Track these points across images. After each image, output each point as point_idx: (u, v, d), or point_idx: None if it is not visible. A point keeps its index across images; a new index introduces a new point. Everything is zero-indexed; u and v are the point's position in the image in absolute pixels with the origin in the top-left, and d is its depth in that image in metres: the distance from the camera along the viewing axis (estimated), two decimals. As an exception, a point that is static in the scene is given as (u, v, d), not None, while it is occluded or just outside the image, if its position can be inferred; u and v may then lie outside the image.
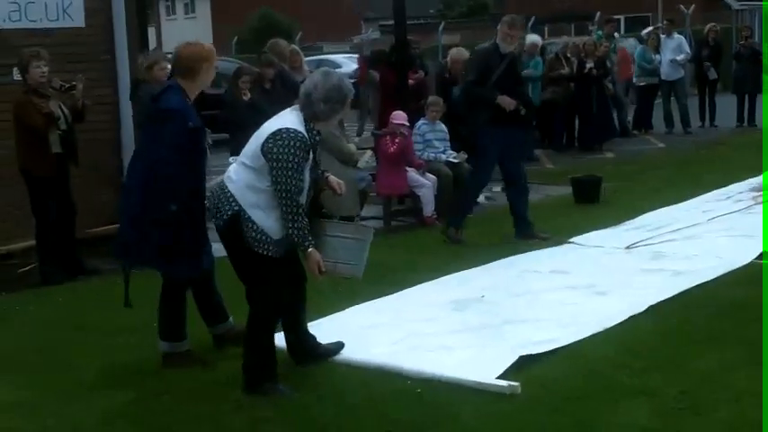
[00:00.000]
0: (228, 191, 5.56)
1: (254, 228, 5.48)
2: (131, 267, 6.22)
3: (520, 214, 9.99)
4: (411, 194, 11.18)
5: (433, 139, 11.60)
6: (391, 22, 13.47)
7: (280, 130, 5.44)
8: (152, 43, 42.68)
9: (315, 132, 5.59)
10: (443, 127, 11.74)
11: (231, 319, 6.67)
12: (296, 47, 13.03)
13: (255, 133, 5.65)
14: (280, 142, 5.40)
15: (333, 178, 5.95)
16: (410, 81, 12.70)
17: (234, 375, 5.84)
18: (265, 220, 5.48)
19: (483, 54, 10.03)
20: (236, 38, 41.61)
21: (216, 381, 6.00)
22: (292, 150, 5.39)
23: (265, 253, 5.52)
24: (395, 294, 7.79)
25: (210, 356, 6.46)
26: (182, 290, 6.33)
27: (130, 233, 6.08)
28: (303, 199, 5.52)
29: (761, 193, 11.82)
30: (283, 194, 5.39)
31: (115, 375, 6.22)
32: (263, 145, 5.45)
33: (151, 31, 47.91)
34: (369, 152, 14.37)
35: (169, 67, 9.36)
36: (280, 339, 6.07)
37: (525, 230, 9.89)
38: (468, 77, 10.28)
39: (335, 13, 56.90)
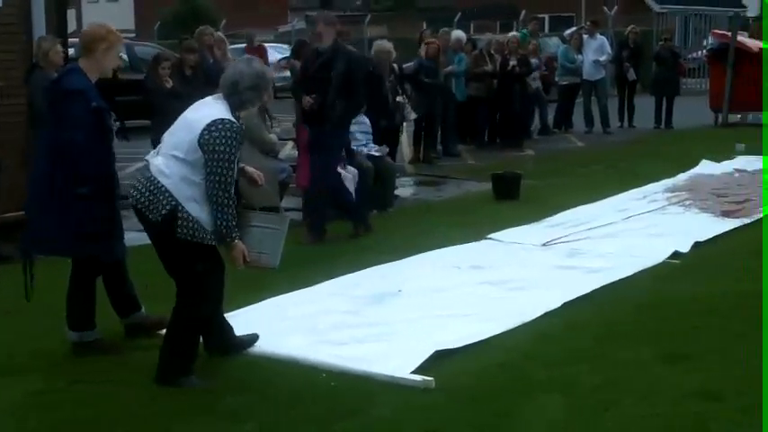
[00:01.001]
0: (162, 185, 5.42)
1: (192, 220, 5.41)
2: (42, 254, 6.13)
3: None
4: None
5: (356, 131, 11.56)
6: (317, 12, 13.40)
7: (215, 121, 5.38)
8: (72, 26, 41.93)
9: (241, 122, 5.58)
10: (366, 120, 11.72)
11: (143, 309, 6.60)
12: (221, 34, 12.87)
13: (180, 124, 5.59)
14: (216, 133, 5.35)
15: (250, 169, 5.95)
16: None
17: (146, 365, 5.77)
18: (200, 212, 5.42)
19: (305, 55, 10.35)
20: (158, 23, 41.16)
21: (128, 370, 5.93)
22: (229, 141, 5.36)
23: (205, 243, 5.48)
24: (312, 287, 7.77)
25: (121, 346, 6.38)
26: (92, 277, 6.25)
27: (40, 220, 5.98)
28: (232, 190, 5.50)
29: (676, 193, 12.02)
30: (218, 186, 5.36)
31: (24, 363, 6.12)
32: (199, 137, 5.36)
33: (71, 14, 47.13)
34: (290, 143, 14.31)
35: (62, 51, 9.52)
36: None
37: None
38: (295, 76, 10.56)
39: (262, 1, 56.51)
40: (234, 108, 5.54)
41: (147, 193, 5.46)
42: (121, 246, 6.29)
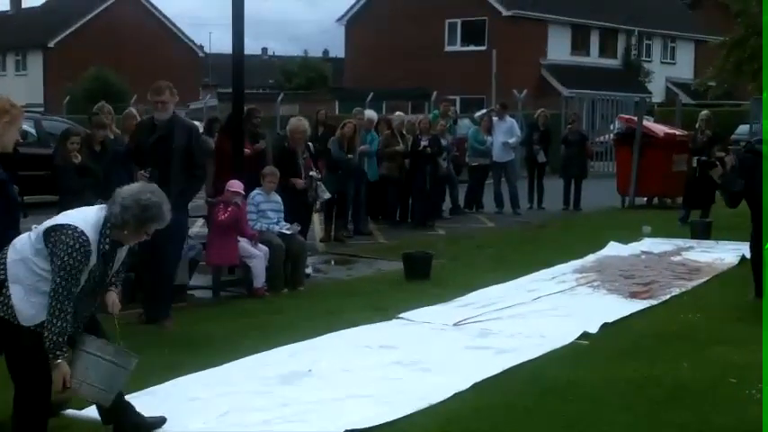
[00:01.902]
0: (3, 256, 5.25)
1: (8, 303, 5.15)
2: None
3: None
4: (242, 265, 11.04)
5: (267, 209, 11.52)
6: (230, 89, 13.37)
7: (63, 225, 5.17)
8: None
9: (106, 239, 5.29)
10: (278, 198, 11.69)
11: None
12: (108, 106, 12.60)
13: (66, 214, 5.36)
14: (59, 237, 5.12)
15: (112, 295, 5.70)
16: (246, 150, 12.60)
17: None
18: (22, 301, 5.15)
19: (138, 126, 9.96)
20: (67, 97, 40.85)
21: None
22: (69, 251, 5.10)
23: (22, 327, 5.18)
24: (221, 366, 7.63)
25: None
26: None
27: None
28: (71, 306, 5.15)
29: (584, 274, 12.15)
30: (52, 293, 5.09)
31: None
32: (45, 233, 5.19)
33: (-20, 87, 46.55)
34: (200, 220, 14.17)
35: None
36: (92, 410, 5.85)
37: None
38: (127, 146, 10.06)
39: (173, 77, 56.47)
40: (106, 221, 5.28)
41: None
42: None
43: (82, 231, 5.15)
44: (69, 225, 5.15)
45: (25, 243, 5.26)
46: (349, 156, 15.69)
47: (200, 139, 10.02)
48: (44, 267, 5.14)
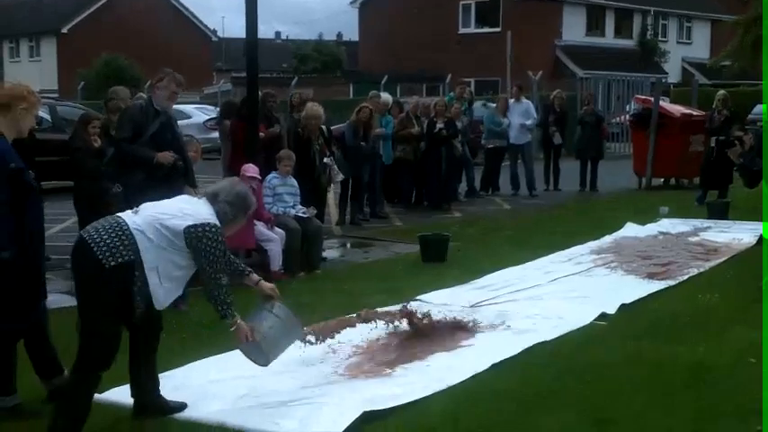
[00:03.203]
0: (135, 241, 5.49)
1: (144, 285, 5.51)
2: None
3: None
4: (258, 249, 11.05)
5: (283, 193, 11.53)
6: (243, 74, 13.37)
7: (208, 223, 5.63)
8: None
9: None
10: (294, 181, 11.70)
11: (66, 372, 6.43)
12: (125, 90, 12.55)
13: (170, 205, 5.82)
14: (209, 235, 5.60)
15: (265, 285, 6.34)
16: (261, 134, 12.61)
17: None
18: (157, 286, 5.54)
19: (137, 111, 9.56)
20: (82, 83, 40.92)
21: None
22: (218, 245, 5.64)
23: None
24: (232, 351, 7.62)
25: (42, 410, 6.18)
26: (11, 343, 6.07)
27: None
28: (226, 280, 5.76)
29: (601, 255, 12.11)
30: (213, 282, 5.66)
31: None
32: (186, 232, 5.56)
33: (-6, 74, 46.68)
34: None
35: None
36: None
37: None
38: (119, 135, 9.58)
39: (187, 62, 56.51)
40: (217, 216, 5.76)
41: (108, 238, 5.45)
42: (40, 309, 6.12)
43: (218, 226, 5.70)
44: (209, 224, 5.65)
45: (156, 233, 5.54)
46: (362, 143, 15.59)
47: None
48: (180, 264, 5.62)
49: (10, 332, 6.01)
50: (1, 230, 5.67)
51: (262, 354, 6.11)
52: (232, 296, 5.78)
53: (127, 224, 5.53)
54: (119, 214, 5.69)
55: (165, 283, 5.54)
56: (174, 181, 8.96)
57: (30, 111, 6.01)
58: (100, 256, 5.37)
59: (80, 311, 5.54)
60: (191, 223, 5.57)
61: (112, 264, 5.36)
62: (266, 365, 6.22)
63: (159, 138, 9.12)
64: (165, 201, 5.90)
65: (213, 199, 5.82)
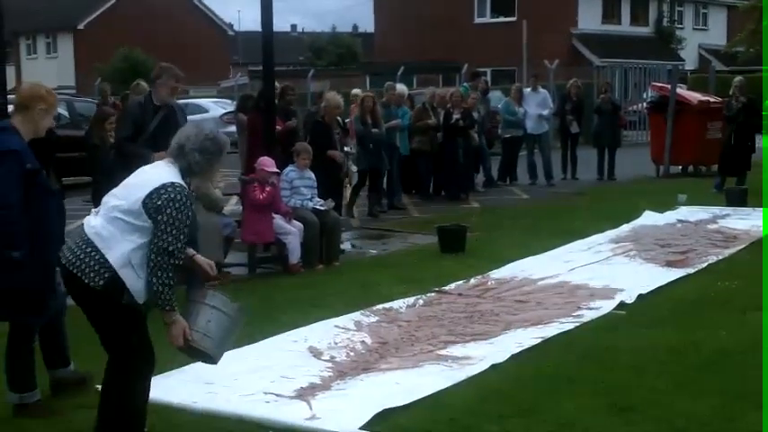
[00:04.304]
0: (98, 250, 5.05)
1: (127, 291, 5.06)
2: None
3: None
4: (277, 242, 11.08)
5: (300, 186, 11.55)
6: (260, 67, 13.39)
7: (165, 184, 5.05)
8: (11, 83, 41.50)
9: (191, 189, 5.25)
10: (311, 174, 11.71)
11: (71, 365, 6.50)
12: (143, 84, 12.65)
13: (124, 186, 5.25)
14: (165, 196, 5.02)
15: (201, 259, 5.64)
16: (278, 127, 12.64)
17: (89, 424, 5.63)
18: (135, 280, 5.05)
19: (136, 108, 9.53)
20: (99, 79, 41.03)
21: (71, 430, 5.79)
22: (180, 206, 5.03)
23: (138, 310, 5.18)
24: (257, 342, 7.67)
25: (60, 405, 6.24)
26: (30, 339, 6.10)
27: None
28: (175, 260, 5.09)
29: (620, 244, 12.09)
30: (161, 252, 4.98)
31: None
32: (145, 200, 5.03)
33: (10, 70, 46.77)
34: (235, 198, 14.23)
35: None
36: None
37: None
38: (119, 133, 9.60)
39: (203, 56, 56.63)
40: (183, 173, 5.20)
41: (83, 256, 5.08)
42: (57, 301, 6.16)
43: (181, 185, 5.11)
44: (171, 183, 5.07)
45: (110, 227, 5.08)
46: (374, 129, 15.54)
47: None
48: (144, 241, 5.06)
49: (26, 327, 6.04)
50: (13, 231, 5.68)
51: (205, 354, 5.38)
52: (173, 285, 5.09)
53: (87, 234, 5.14)
54: (83, 221, 5.29)
55: (142, 274, 5.05)
56: None
57: (48, 111, 6.05)
58: (87, 281, 5.05)
59: (102, 333, 5.28)
60: (147, 192, 5.05)
61: (101, 283, 5.03)
62: (215, 363, 5.50)
63: (161, 133, 8.86)
64: (124, 181, 5.34)
65: (179, 153, 5.20)
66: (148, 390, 5.40)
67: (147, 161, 8.65)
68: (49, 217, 5.98)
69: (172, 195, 5.02)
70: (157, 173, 5.18)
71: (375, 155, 15.42)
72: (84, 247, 5.10)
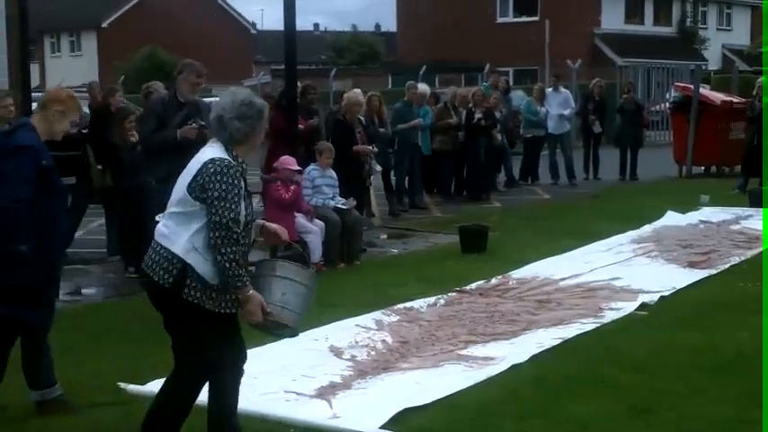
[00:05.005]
0: (164, 247, 4.98)
1: (197, 279, 4.94)
2: None
3: None
4: (298, 240, 11.09)
5: (322, 185, 11.57)
6: (282, 66, 13.42)
7: (204, 163, 4.96)
8: (35, 81, 41.94)
9: (240, 159, 5.10)
10: (333, 173, 11.74)
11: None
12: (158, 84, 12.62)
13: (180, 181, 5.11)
14: (206, 173, 4.92)
15: (270, 225, 5.52)
16: (300, 126, 12.67)
17: (110, 422, 5.68)
18: (203, 264, 4.94)
19: (160, 104, 9.54)
20: (122, 77, 41.18)
21: (93, 428, 5.84)
22: (224, 179, 4.91)
23: (216, 311, 5.03)
24: (278, 341, 7.66)
25: (80, 402, 6.28)
26: (45, 334, 6.12)
27: None
28: (236, 232, 4.93)
29: (642, 245, 12.06)
30: (218, 228, 4.86)
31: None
32: (189, 186, 4.96)
33: (34, 69, 47.08)
34: (257, 197, 14.25)
35: (12, 106, 9.23)
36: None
37: None
38: (143, 130, 9.59)
39: (226, 55, 56.76)
40: (227, 145, 5.07)
41: (154, 255, 5.03)
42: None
43: (221, 158, 4.99)
44: (210, 159, 4.97)
45: (169, 223, 5.03)
46: (381, 129, 15.49)
47: None
48: (202, 224, 4.96)
49: (41, 325, 6.07)
50: (21, 225, 5.73)
51: (285, 326, 5.23)
52: (241, 259, 4.96)
53: (154, 239, 5.09)
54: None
55: (208, 256, 4.94)
56: None
57: (65, 114, 6.08)
58: (159, 281, 4.97)
59: (179, 342, 5.14)
60: (191, 177, 4.98)
61: (170, 280, 4.93)
62: (296, 335, 5.43)
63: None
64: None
65: (219, 125, 5.08)
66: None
67: (173, 141, 8.74)
68: (57, 215, 6.03)
69: (212, 170, 4.92)
70: (197, 158, 5.10)
71: (383, 155, 15.36)
72: (154, 247, 5.06)
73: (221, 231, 4.86)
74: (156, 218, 5.27)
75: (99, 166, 10.73)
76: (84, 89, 15.66)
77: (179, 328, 5.09)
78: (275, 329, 5.28)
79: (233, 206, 4.91)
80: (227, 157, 5.01)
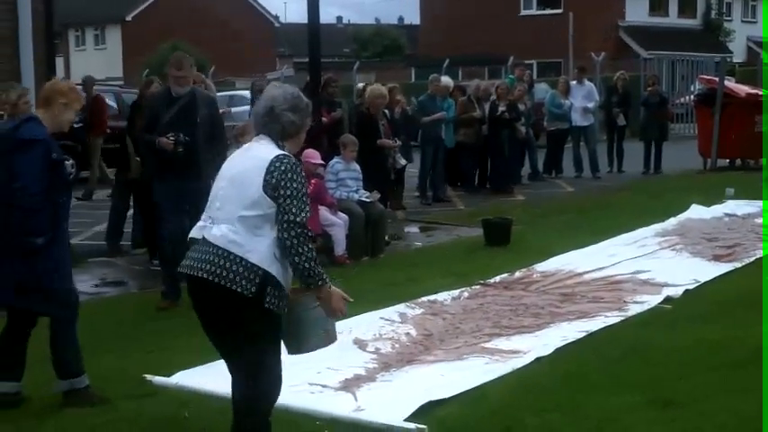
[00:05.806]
0: (240, 256, 4.66)
1: (279, 286, 4.73)
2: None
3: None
4: (322, 233, 11.12)
5: (346, 178, 11.59)
6: (306, 59, 13.45)
7: (271, 161, 4.69)
8: (60, 74, 41.91)
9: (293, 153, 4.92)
10: (357, 166, 11.75)
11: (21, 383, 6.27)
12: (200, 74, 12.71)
13: (229, 180, 4.83)
14: (276, 172, 4.68)
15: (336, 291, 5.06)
16: (324, 119, 12.70)
17: (136, 413, 5.71)
18: (283, 271, 4.74)
19: (153, 99, 9.56)
20: (146, 70, 41.29)
21: (120, 419, 5.88)
22: (295, 176, 4.70)
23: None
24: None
25: (108, 394, 6.31)
26: (73, 324, 6.16)
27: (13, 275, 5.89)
28: (309, 230, 4.78)
29: (666, 238, 12.02)
30: (295, 226, 4.63)
31: (10, 417, 5.99)
32: (263, 184, 4.67)
33: (59, 62, 47.19)
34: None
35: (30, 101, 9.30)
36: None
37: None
38: (141, 125, 9.55)
39: (249, 48, 56.87)
40: (277, 139, 4.85)
41: (228, 264, 4.66)
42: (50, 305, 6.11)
43: (284, 154, 4.77)
44: (275, 156, 4.73)
45: (239, 229, 4.70)
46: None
47: (219, 111, 9.81)
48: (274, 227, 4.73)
49: (62, 316, 6.11)
50: (38, 217, 5.79)
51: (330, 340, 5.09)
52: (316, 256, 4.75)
53: (216, 245, 4.73)
54: (196, 235, 4.88)
55: (285, 262, 4.72)
56: (187, 169, 8.68)
57: (69, 106, 6.14)
58: (238, 289, 4.65)
59: (239, 348, 4.88)
60: (262, 177, 4.69)
61: (254, 290, 4.65)
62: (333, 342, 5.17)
63: (175, 124, 8.85)
64: (219, 179, 4.96)
65: (270, 117, 4.84)
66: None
67: (154, 148, 8.73)
68: (64, 209, 6.08)
69: (282, 168, 4.69)
70: (255, 155, 4.82)
71: (406, 148, 15.33)
72: (225, 255, 4.69)
73: (296, 230, 4.65)
74: (202, 220, 4.92)
75: (137, 158, 10.78)
76: (111, 82, 15.79)
77: (254, 336, 4.80)
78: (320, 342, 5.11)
79: (304, 205, 4.71)
80: (284, 152, 4.81)
